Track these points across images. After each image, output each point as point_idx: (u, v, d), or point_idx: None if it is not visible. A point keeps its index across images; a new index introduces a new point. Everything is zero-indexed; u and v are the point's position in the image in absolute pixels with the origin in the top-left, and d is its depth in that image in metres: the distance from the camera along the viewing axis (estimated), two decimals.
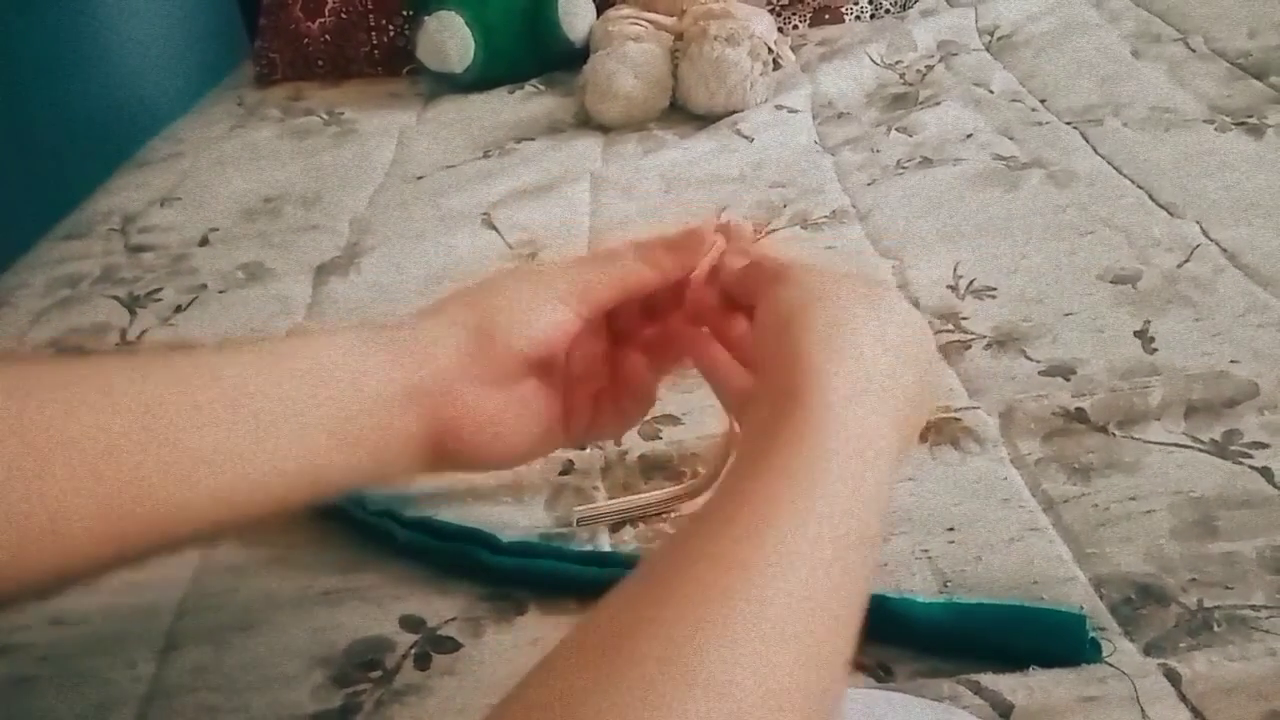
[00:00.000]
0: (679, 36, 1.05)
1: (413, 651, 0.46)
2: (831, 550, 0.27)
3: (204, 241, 0.89)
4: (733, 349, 0.40)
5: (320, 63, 1.24)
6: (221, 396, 0.33)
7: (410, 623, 0.47)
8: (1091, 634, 0.43)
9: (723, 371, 0.39)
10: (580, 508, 0.52)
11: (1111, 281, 0.67)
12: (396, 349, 0.38)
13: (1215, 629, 0.43)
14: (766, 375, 0.36)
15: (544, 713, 0.23)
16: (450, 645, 0.46)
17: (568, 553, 0.49)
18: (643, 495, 0.52)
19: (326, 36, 1.23)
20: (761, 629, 0.24)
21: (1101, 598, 0.45)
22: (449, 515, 0.53)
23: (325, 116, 1.13)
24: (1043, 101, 0.94)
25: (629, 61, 1.00)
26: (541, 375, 0.41)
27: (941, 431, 0.55)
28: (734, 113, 0.99)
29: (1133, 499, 0.50)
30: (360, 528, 0.52)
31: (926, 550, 0.48)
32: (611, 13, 1.10)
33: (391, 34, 1.22)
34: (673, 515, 0.52)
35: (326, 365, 0.36)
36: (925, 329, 0.38)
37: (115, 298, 0.81)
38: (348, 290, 0.78)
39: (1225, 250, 0.68)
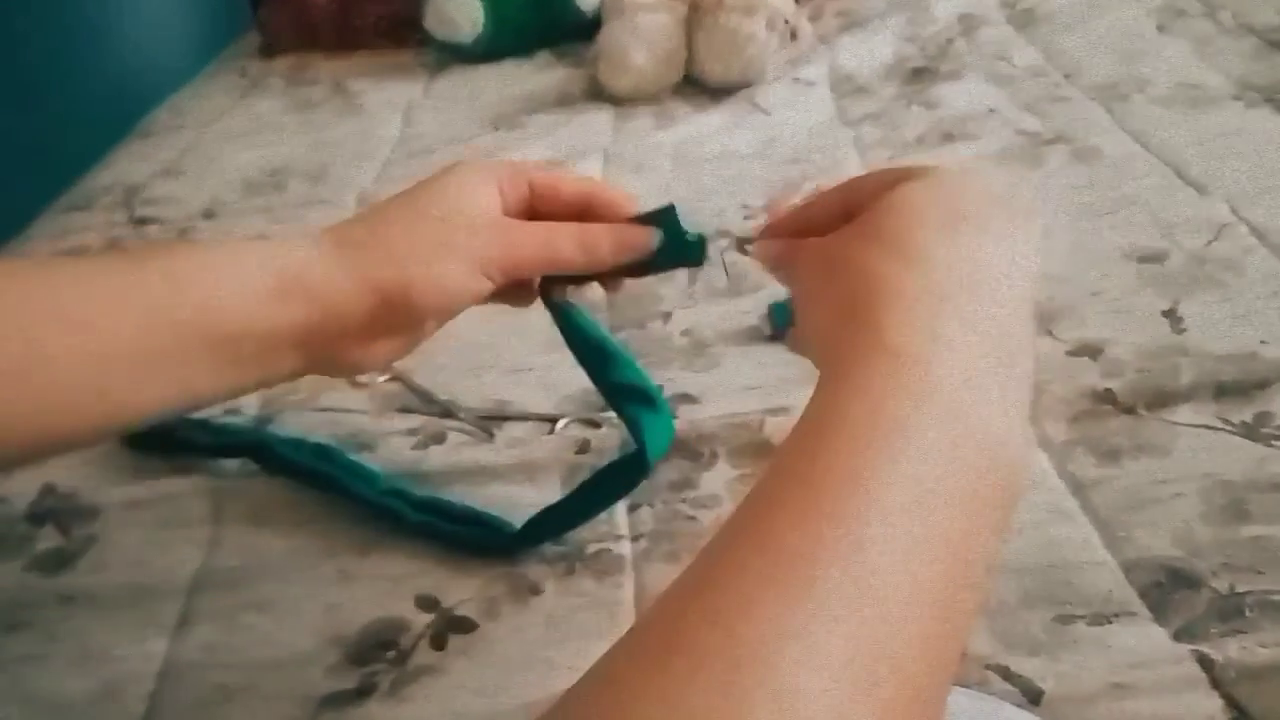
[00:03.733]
0: (693, 7, 1.03)
1: (429, 631, 0.45)
2: (910, 530, 0.24)
3: (208, 214, 0.87)
4: None
5: (325, 33, 1.22)
6: (101, 335, 0.33)
7: (425, 602, 0.47)
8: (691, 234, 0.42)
9: None
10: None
11: (1138, 260, 0.65)
12: (296, 297, 0.36)
13: (1247, 614, 0.42)
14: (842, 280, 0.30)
15: (600, 709, 0.22)
16: (466, 625, 0.45)
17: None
18: None
19: (332, 7, 1.21)
20: (823, 623, 0.22)
21: (1131, 582, 0.44)
22: (460, 494, 0.52)
23: (330, 88, 1.12)
24: (1066, 76, 0.92)
25: (641, 33, 0.98)
26: None
27: None
28: (750, 86, 0.97)
29: (1162, 482, 0.49)
30: (370, 508, 0.51)
31: None
32: None
33: (398, 4, 1.20)
34: None
35: (221, 299, 0.35)
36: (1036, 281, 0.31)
37: None
38: None
39: (1254, 229, 0.67)
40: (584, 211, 0.42)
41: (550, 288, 0.44)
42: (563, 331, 0.46)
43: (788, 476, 0.26)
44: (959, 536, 0.25)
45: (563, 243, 0.40)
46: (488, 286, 0.39)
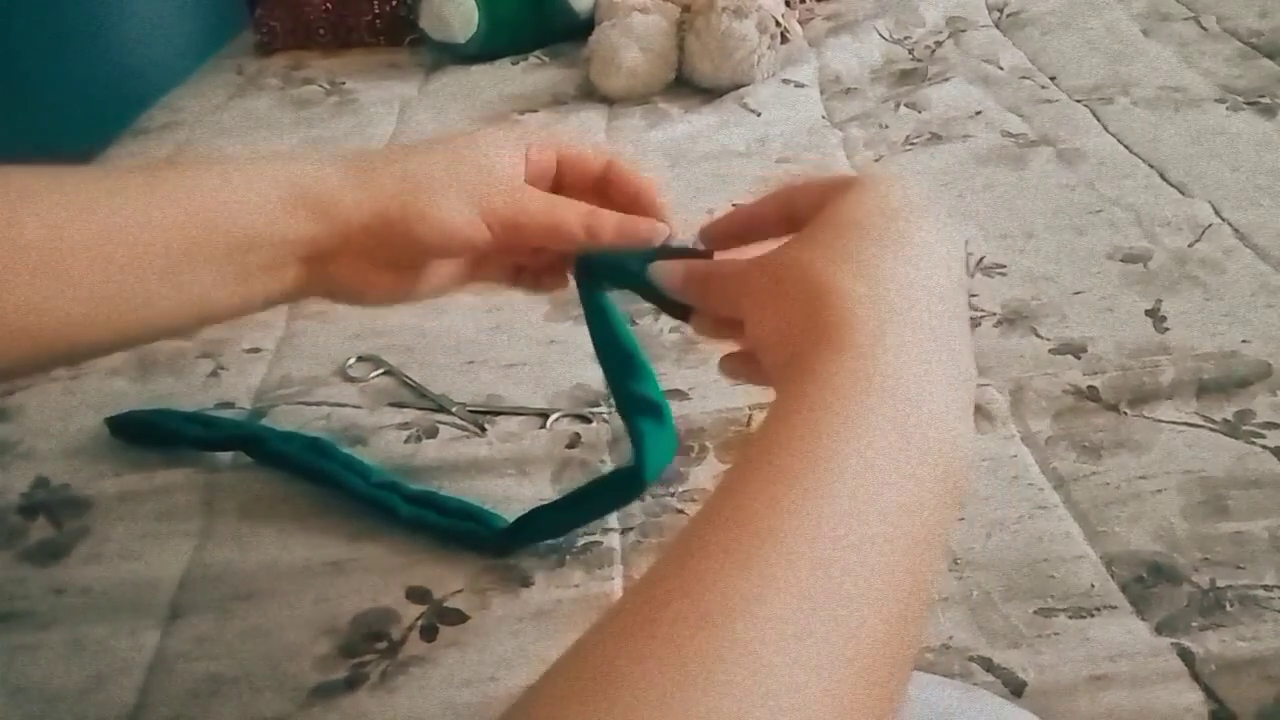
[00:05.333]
0: (686, 8, 1.03)
1: (419, 623, 0.46)
2: (859, 517, 0.25)
3: None
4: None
5: (321, 31, 1.22)
6: (120, 232, 0.35)
7: (416, 594, 0.47)
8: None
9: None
10: None
11: (1121, 260, 0.66)
12: (304, 208, 0.38)
13: (1227, 609, 0.43)
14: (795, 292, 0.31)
15: (580, 685, 0.22)
16: (456, 617, 0.46)
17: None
18: None
19: (328, 5, 1.21)
20: (794, 597, 0.23)
21: (1112, 576, 0.45)
22: (452, 488, 0.52)
23: (326, 86, 1.12)
24: (1052, 79, 0.93)
25: (634, 34, 0.99)
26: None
27: None
28: (740, 87, 0.98)
29: (1143, 478, 0.49)
30: (362, 501, 0.51)
31: None
32: None
33: (394, 3, 1.20)
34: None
35: (233, 210, 0.37)
36: (964, 277, 0.33)
37: None
38: None
39: (1236, 230, 0.68)
40: (606, 188, 0.43)
41: (588, 270, 0.43)
42: (590, 321, 0.44)
43: (754, 464, 0.26)
44: (918, 518, 0.26)
45: (567, 214, 0.41)
46: (484, 235, 0.40)
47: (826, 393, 0.27)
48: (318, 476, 0.53)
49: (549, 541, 0.49)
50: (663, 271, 0.38)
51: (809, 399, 0.27)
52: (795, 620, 0.23)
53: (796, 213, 0.35)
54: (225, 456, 0.56)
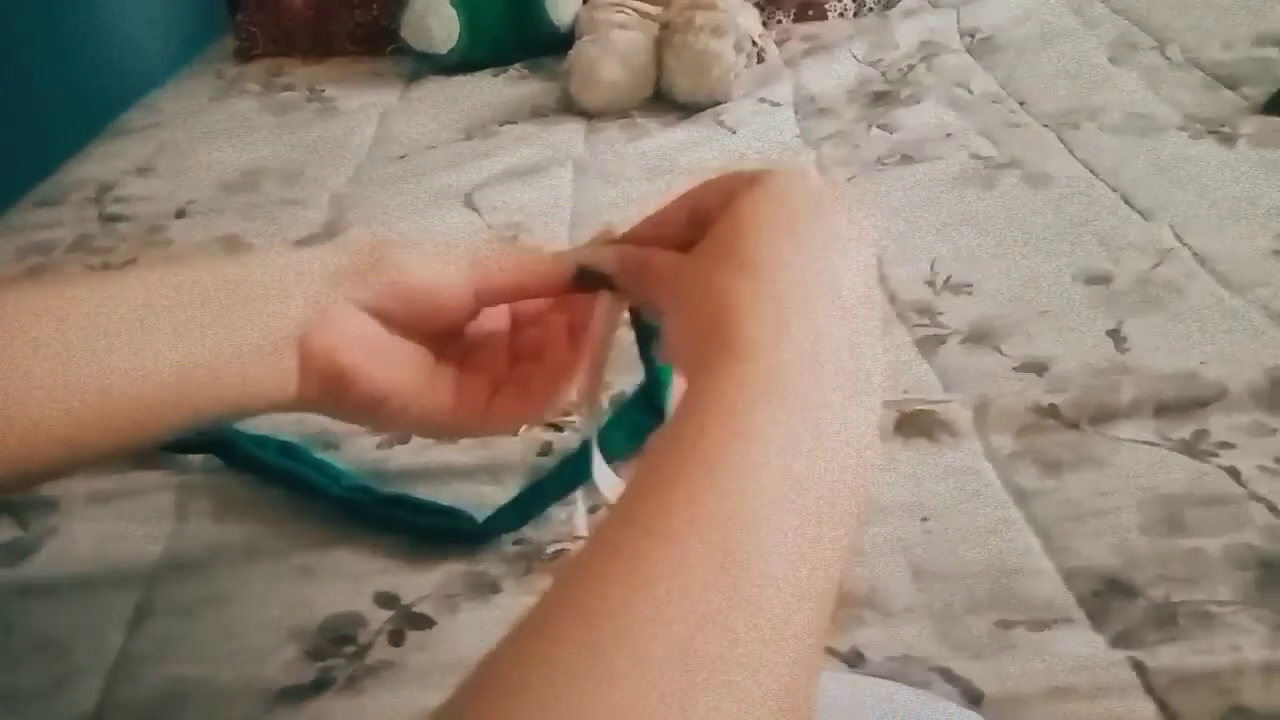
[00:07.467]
0: (665, 26, 1.05)
1: (387, 628, 0.46)
2: (767, 494, 0.25)
3: (180, 213, 0.87)
4: None
5: (302, 39, 1.22)
6: (89, 329, 0.33)
7: (385, 599, 0.47)
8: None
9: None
10: None
11: (1085, 282, 0.68)
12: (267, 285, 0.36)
13: (1180, 623, 0.44)
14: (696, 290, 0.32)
15: (487, 689, 0.22)
16: (424, 622, 0.46)
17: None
18: None
19: (309, 13, 1.22)
20: (682, 602, 0.23)
21: (1070, 590, 0.46)
22: (425, 493, 0.53)
23: (306, 93, 1.12)
24: (1021, 104, 0.95)
25: (614, 49, 1.00)
26: (432, 347, 0.40)
27: (916, 423, 0.56)
28: (717, 104, 0.99)
29: (1103, 494, 0.50)
30: (334, 504, 0.52)
31: (901, 539, 0.49)
32: None
33: (375, 12, 1.21)
34: None
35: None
36: (876, 288, 0.33)
37: (88, 267, 0.79)
38: None
39: (1197, 255, 0.69)
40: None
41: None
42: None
43: (666, 465, 0.26)
44: (815, 522, 0.26)
45: (533, 255, 0.40)
46: (456, 278, 0.38)
47: (722, 395, 0.27)
48: (289, 480, 0.53)
49: (518, 549, 0.49)
50: (601, 256, 0.38)
51: (706, 400, 0.27)
52: (727, 615, 0.23)
53: (705, 214, 0.35)
54: (196, 459, 0.56)
